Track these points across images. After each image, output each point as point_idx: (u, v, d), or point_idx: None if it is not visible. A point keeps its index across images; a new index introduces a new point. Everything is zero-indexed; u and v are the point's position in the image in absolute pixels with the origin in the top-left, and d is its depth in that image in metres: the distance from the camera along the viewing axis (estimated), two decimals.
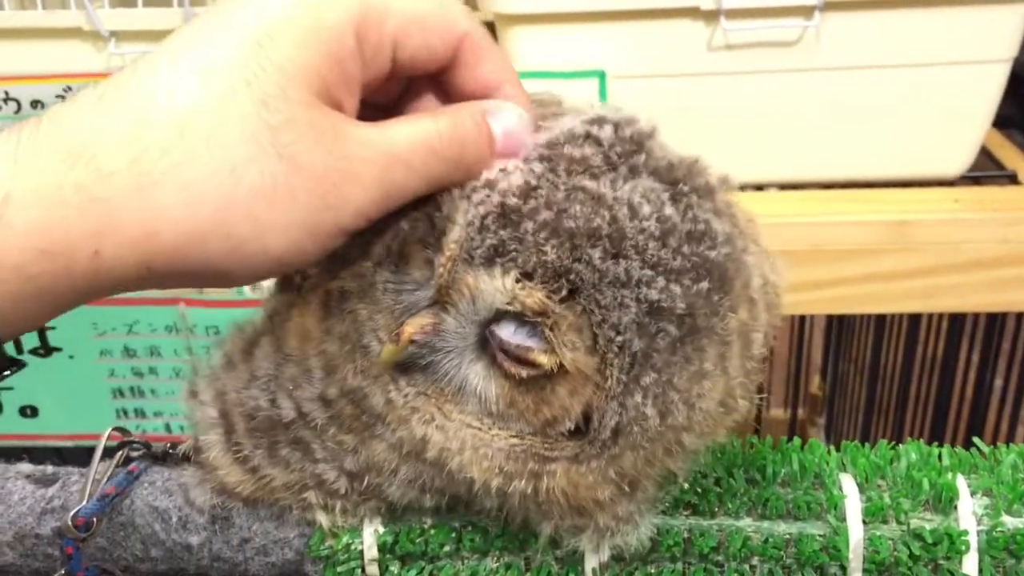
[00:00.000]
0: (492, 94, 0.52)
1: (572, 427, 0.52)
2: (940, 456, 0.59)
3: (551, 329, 0.49)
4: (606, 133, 0.52)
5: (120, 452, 0.65)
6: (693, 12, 1.05)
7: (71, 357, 1.18)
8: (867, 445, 0.60)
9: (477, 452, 0.53)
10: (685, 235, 0.50)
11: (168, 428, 1.21)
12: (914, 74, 1.06)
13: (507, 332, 0.51)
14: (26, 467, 0.65)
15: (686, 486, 0.58)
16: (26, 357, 1.17)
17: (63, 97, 1.03)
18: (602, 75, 1.04)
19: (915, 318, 1.27)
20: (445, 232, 0.52)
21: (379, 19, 0.48)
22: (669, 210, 0.50)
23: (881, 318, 1.38)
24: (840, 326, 1.37)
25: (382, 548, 0.59)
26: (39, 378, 1.19)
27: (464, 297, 0.51)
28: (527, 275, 0.49)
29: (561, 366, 0.50)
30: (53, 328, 1.16)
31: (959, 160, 1.11)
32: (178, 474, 0.63)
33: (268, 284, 0.70)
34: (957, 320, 1.14)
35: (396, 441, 0.55)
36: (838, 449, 0.61)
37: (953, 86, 1.06)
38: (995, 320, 1.15)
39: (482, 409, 0.53)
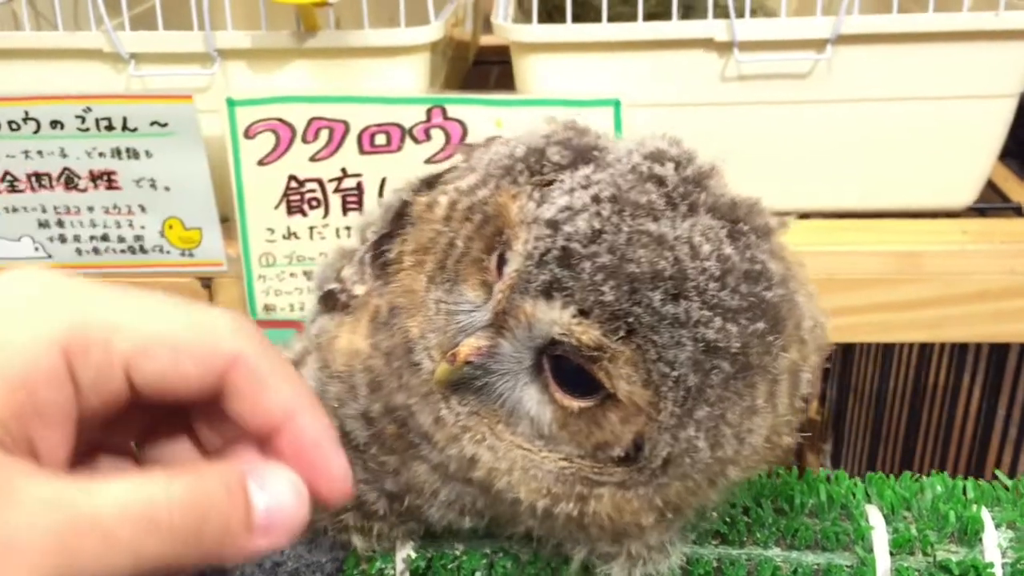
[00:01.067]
0: (278, 429, 0.43)
1: (623, 454, 0.53)
2: (965, 489, 0.60)
3: (608, 361, 0.50)
4: (669, 172, 0.53)
5: None
6: (707, 43, 1.06)
7: None
8: (892, 476, 0.61)
9: (527, 473, 0.54)
10: (743, 275, 0.51)
11: None
12: (924, 107, 1.08)
13: (561, 366, 0.52)
14: None
15: (715, 515, 0.58)
16: None
17: (82, 118, 1.04)
18: (617, 103, 1.05)
19: (920, 347, 1.29)
20: (504, 258, 0.53)
21: (103, 336, 0.40)
22: (728, 249, 0.51)
23: (887, 346, 1.39)
24: (840, 353, 1.38)
25: (415, 573, 0.60)
26: None
27: (521, 324, 0.52)
28: (583, 312, 0.50)
29: (614, 395, 0.51)
30: None
31: (967, 192, 1.13)
32: None
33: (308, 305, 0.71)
34: (962, 350, 1.15)
35: (442, 460, 0.56)
36: (862, 477, 0.62)
37: (962, 119, 1.08)
38: (999, 351, 1.17)
39: (534, 431, 0.55)
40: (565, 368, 0.52)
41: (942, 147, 1.09)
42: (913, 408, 1.28)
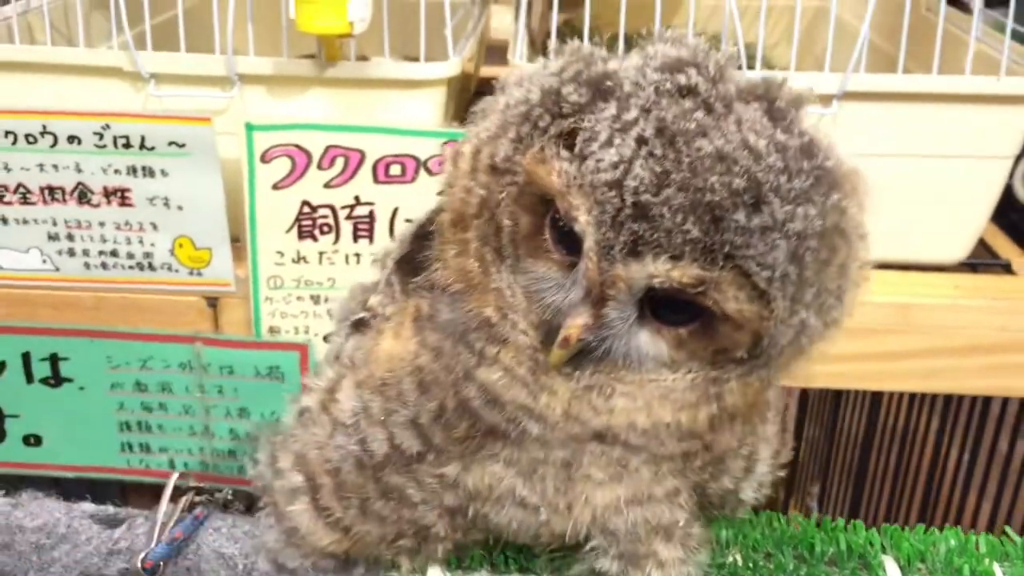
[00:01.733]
0: None
1: (743, 355, 0.56)
2: (977, 543, 0.62)
3: (712, 290, 0.52)
4: (694, 78, 0.54)
5: (185, 497, 0.67)
6: None
7: (81, 388, 1.18)
8: (907, 528, 0.63)
9: (665, 399, 0.57)
10: (800, 153, 0.53)
11: (172, 464, 1.22)
12: (923, 164, 1.11)
13: (661, 308, 0.55)
14: (89, 507, 0.67)
15: (739, 560, 0.60)
16: (36, 387, 1.18)
17: (100, 134, 1.05)
18: None
19: (909, 397, 1.33)
20: (559, 227, 0.54)
21: None
22: (780, 135, 0.53)
23: (876, 394, 1.42)
24: (830, 398, 1.41)
25: None
26: (46, 408, 1.20)
27: (619, 289, 0.53)
28: (676, 257, 0.51)
29: (718, 314, 0.54)
30: (67, 359, 1.16)
31: (960, 247, 1.16)
32: (242, 521, 0.64)
33: (331, 334, 0.72)
34: (947, 401, 1.19)
35: (546, 433, 0.58)
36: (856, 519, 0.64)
37: (959, 177, 1.11)
38: (984, 403, 1.20)
39: (658, 365, 0.57)
40: (665, 303, 0.55)
41: (939, 203, 1.12)
42: (900, 455, 1.31)
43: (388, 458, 0.61)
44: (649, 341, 0.57)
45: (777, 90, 0.55)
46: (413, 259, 0.64)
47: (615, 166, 0.51)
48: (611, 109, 0.53)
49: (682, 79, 0.53)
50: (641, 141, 0.51)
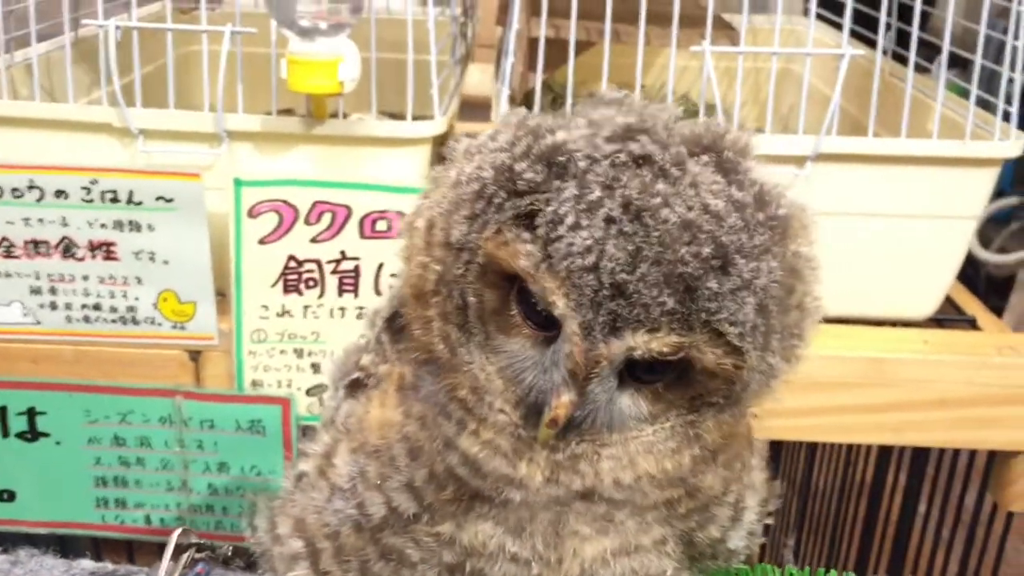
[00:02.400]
0: None
1: (719, 400, 0.59)
2: None
3: (689, 350, 0.55)
4: (646, 145, 0.55)
5: (186, 554, 0.67)
6: None
7: (58, 443, 1.17)
8: None
9: (649, 452, 0.59)
10: (755, 206, 0.55)
11: (148, 520, 1.21)
12: (893, 223, 1.15)
13: (639, 370, 0.57)
14: (88, 564, 0.67)
15: None
16: (11, 441, 1.17)
17: (88, 189, 1.05)
18: None
19: (880, 449, 1.36)
20: (528, 301, 0.56)
21: None
22: (735, 192, 0.55)
23: (849, 447, 1.45)
24: (804, 451, 1.43)
25: None
26: (20, 462, 1.18)
27: (603, 367, 0.55)
28: (654, 329, 0.54)
29: (693, 367, 0.56)
30: (44, 413, 1.15)
31: (928, 304, 1.20)
32: None
33: (326, 396, 0.73)
34: (917, 454, 1.22)
35: (530, 497, 0.59)
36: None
37: (927, 236, 1.15)
38: (953, 456, 1.23)
39: (638, 422, 0.59)
40: (643, 366, 0.57)
41: (908, 261, 1.16)
42: (871, 507, 1.33)
43: (386, 520, 0.61)
44: (629, 403, 0.59)
45: (722, 141, 0.57)
46: (401, 317, 0.65)
47: (589, 250, 0.52)
48: (571, 189, 0.54)
49: (636, 148, 0.55)
50: (610, 220, 0.53)
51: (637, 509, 0.62)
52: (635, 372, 0.58)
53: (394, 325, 0.66)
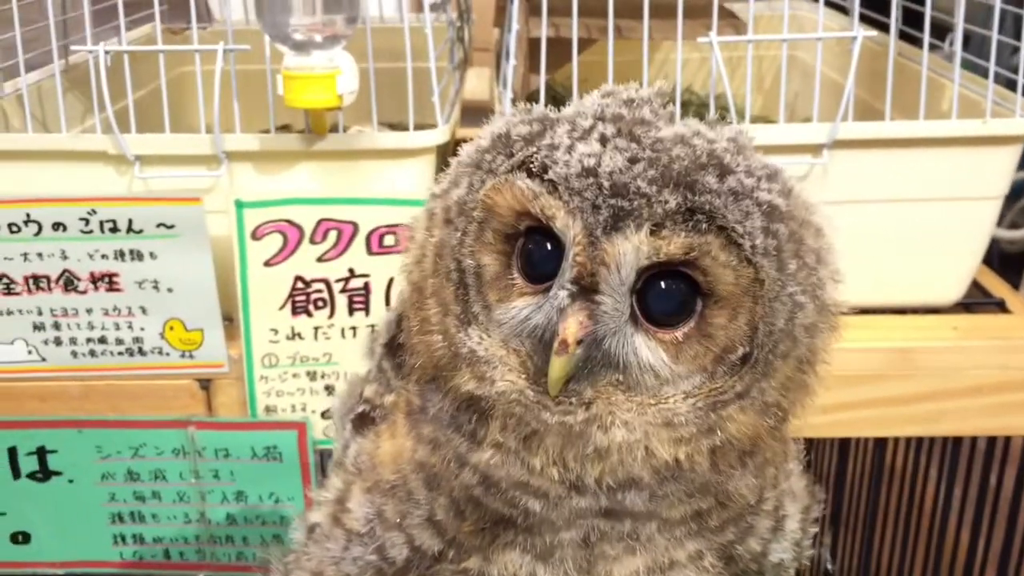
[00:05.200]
0: None
1: (742, 353, 0.56)
2: None
3: (703, 259, 0.53)
4: (639, 94, 0.58)
5: None
6: None
7: (70, 481, 1.14)
8: None
9: (665, 428, 0.56)
10: (748, 149, 0.57)
11: (167, 555, 1.18)
12: (914, 208, 1.11)
13: (654, 305, 0.55)
14: None
15: None
16: (23, 482, 1.14)
17: (86, 220, 1.02)
18: None
19: (916, 442, 1.33)
20: (528, 258, 0.56)
21: None
22: (725, 134, 0.57)
23: (845, 440, 1.41)
24: (837, 448, 1.40)
25: None
26: (34, 503, 1.16)
27: (609, 268, 0.53)
28: (657, 226, 0.53)
29: (711, 296, 0.54)
30: (55, 451, 1.13)
31: (955, 289, 1.16)
32: None
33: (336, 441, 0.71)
34: (956, 444, 1.18)
35: (548, 484, 0.57)
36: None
37: (950, 220, 1.12)
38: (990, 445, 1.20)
39: (657, 381, 0.56)
40: (655, 308, 0.55)
41: (932, 246, 1.13)
42: (909, 503, 1.30)
43: (409, 563, 0.59)
44: (646, 347, 0.56)
45: (716, 124, 0.59)
46: (401, 342, 0.63)
47: (587, 157, 0.54)
48: (564, 126, 0.56)
49: (624, 95, 0.58)
50: (604, 139, 0.54)
51: (664, 524, 0.59)
52: (650, 313, 0.55)
53: (394, 349, 0.64)
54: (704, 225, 0.53)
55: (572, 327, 0.53)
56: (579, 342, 0.54)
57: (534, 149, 0.56)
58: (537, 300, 0.57)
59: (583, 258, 0.53)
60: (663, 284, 0.55)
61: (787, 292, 0.55)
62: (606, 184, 0.53)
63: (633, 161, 0.53)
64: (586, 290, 0.54)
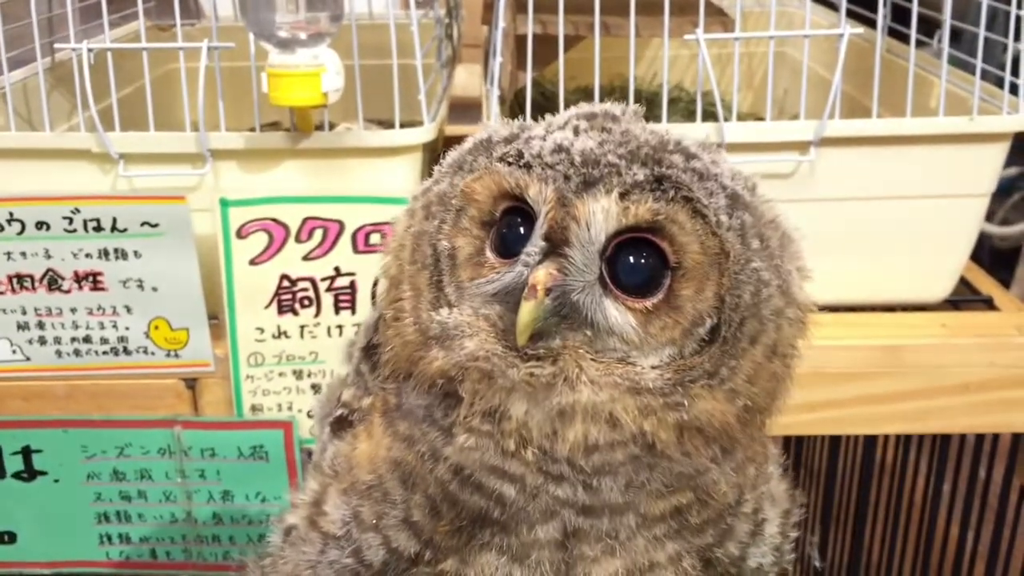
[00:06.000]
0: None
1: (712, 324, 0.57)
2: None
3: (670, 226, 0.55)
4: (607, 107, 0.61)
5: None
6: None
7: (56, 481, 1.14)
8: None
9: (630, 394, 0.56)
10: (717, 152, 0.60)
11: (154, 554, 1.17)
12: (902, 205, 1.11)
13: (623, 273, 0.57)
14: None
15: None
16: (8, 482, 1.13)
17: (70, 219, 1.02)
18: None
19: (905, 439, 1.33)
20: (502, 237, 0.58)
21: None
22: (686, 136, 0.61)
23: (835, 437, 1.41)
24: (828, 445, 1.39)
25: None
26: (19, 503, 1.15)
27: (580, 224, 0.55)
28: (625, 194, 0.55)
29: (679, 268, 0.56)
30: (40, 451, 1.12)
31: (943, 286, 1.16)
32: None
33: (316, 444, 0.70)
34: (944, 441, 1.18)
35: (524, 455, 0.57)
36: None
37: (938, 217, 1.12)
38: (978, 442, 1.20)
39: (625, 346, 0.57)
40: (624, 277, 0.56)
41: (920, 243, 1.13)
42: (898, 498, 1.30)
43: (386, 565, 0.59)
44: (615, 309, 0.57)
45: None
46: (378, 346, 0.63)
47: (558, 137, 0.57)
48: (540, 127, 0.60)
49: (595, 108, 0.61)
50: (577, 130, 0.58)
51: (644, 522, 0.58)
52: (620, 282, 0.57)
53: (372, 353, 0.64)
54: (671, 193, 0.56)
55: (542, 274, 0.55)
56: (548, 291, 0.55)
57: (512, 145, 0.59)
58: (508, 267, 0.58)
59: (554, 214, 0.55)
60: (632, 257, 0.57)
61: (752, 267, 0.57)
62: (577, 159, 0.56)
63: (604, 144, 0.57)
64: (557, 248, 0.56)
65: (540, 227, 0.56)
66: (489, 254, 0.59)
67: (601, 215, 0.55)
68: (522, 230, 0.58)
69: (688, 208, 0.56)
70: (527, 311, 0.54)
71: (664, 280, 0.57)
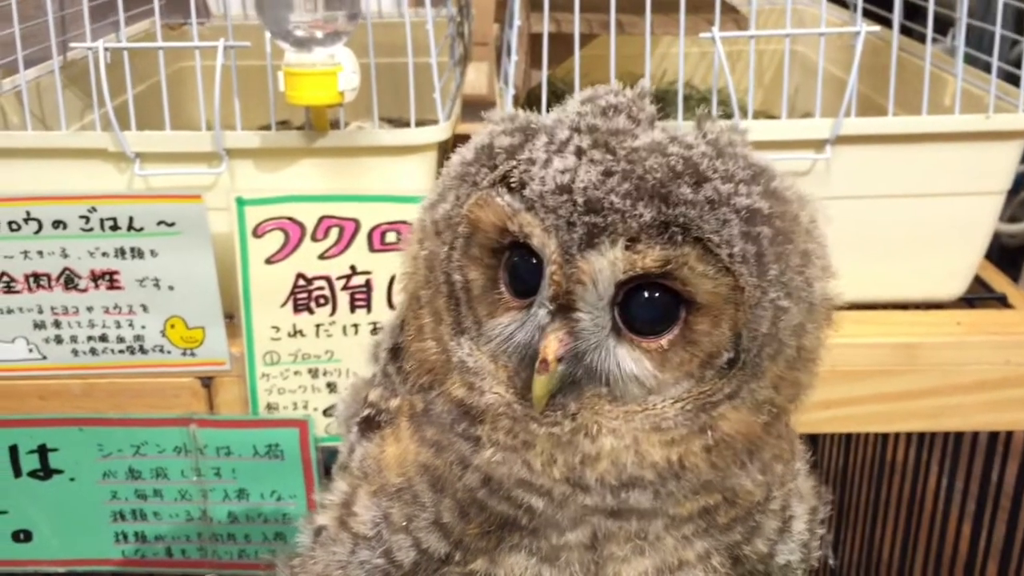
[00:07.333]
0: None
1: (728, 358, 0.55)
2: None
3: (681, 270, 0.53)
4: (617, 99, 0.57)
5: None
6: None
7: (72, 479, 1.14)
8: None
9: (654, 432, 0.55)
10: (728, 151, 0.56)
11: (169, 553, 1.17)
12: (917, 203, 1.11)
13: (636, 315, 0.55)
14: None
15: None
16: (25, 480, 1.13)
17: (86, 218, 1.02)
18: None
19: (919, 437, 1.32)
20: (514, 272, 0.56)
21: None
22: (708, 136, 0.57)
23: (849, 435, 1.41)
24: (841, 442, 1.40)
25: None
26: (35, 501, 1.15)
27: (586, 286, 0.53)
28: (633, 240, 0.52)
29: (693, 303, 0.54)
30: (56, 450, 1.12)
31: (958, 284, 1.16)
32: None
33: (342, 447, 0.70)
34: (957, 439, 1.18)
35: (552, 492, 0.56)
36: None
37: (953, 215, 1.11)
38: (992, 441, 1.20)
39: (642, 391, 0.56)
40: (637, 318, 0.55)
41: (935, 241, 1.12)
42: (912, 496, 1.30)
43: (417, 566, 0.59)
44: (629, 358, 0.56)
45: (705, 120, 0.59)
46: (403, 348, 0.63)
47: (562, 174, 0.54)
48: (542, 138, 0.56)
49: (603, 102, 0.57)
50: (579, 152, 0.54)
51: (672, 522, 0.58)
52: (632, 323, 0.55)
53: (398, 354, 0.64)
54: (680, 237, 0.53)
55: (551, 346, 0.54)
56: (560, 359, 0.54)
57: (513, 163, 0.56)
58: (522, 316, 0.57)
59: (559, 277, 0.54)
60: (645, 294, 0.55)
61: (769, 298, 0.54)
62: (580, 201, 0.53)
63: (607, 175, 0.53)
64: (565, 307, 0.54)
65: (546, 288, 0.55)
66: (503, 288, 0.58)
67: (608, 270, 0.53)
68: (533, 260, 0.56)
69: (699, 248, 0.53)
70: (540, 385, 0.54)
71: (679, 314, 0.56)
